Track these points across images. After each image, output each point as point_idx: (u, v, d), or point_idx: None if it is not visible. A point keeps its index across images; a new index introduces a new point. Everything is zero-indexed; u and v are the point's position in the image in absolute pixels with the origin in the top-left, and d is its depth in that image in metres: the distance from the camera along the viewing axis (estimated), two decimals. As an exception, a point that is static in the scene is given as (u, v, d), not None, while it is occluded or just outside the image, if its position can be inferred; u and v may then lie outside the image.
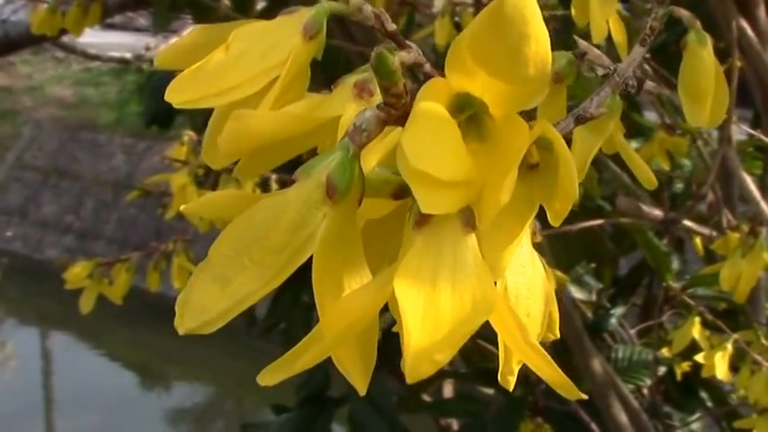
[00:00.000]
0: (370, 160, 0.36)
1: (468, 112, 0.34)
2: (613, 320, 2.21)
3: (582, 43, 0.50)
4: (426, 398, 2.23)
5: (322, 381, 2.04)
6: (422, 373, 0.29)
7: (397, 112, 0.33)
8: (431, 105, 0.32)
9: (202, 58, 0.39)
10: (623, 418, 1.80)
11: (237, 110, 0.34)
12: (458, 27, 1.34)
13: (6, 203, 11.47)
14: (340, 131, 0.36)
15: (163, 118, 2.16)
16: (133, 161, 11.45)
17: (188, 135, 1.14)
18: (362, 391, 0.35)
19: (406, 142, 0.30)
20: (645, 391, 2.12)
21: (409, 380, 0.30)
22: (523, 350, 0.33)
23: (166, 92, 0.38)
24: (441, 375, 2.11)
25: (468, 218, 0.32)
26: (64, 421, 9.00)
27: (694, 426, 2.15)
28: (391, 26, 0.38)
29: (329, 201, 0.32)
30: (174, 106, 0.39)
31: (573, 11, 0.69)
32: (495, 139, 0.33)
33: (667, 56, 1.50)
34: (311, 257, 0.35)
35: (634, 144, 1.68)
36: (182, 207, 0.37)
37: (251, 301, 0.34)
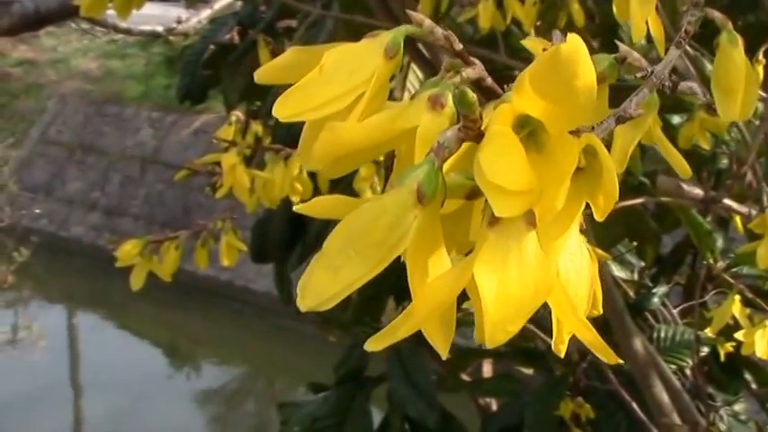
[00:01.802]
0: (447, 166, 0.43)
1: (528, 129, 0.41)
2: (655, 300, 2.23)
3: (623, 48, 0.53)
4: (465, 377, 2.32)
5: (360, 360, 2.07)
6: (498, 340, 0.37)
7: (473, 132, 0.41)
8: (501, 129, 0.40)
9: (296, 75, 0.46)
10: (665, 398, 1.80)
11: (330, 122, 0.42)
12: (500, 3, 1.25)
13: (31, 180, 11.32)
14: (418, 141, 0.43)
15: (196, 93, 2.16)
16: (160, 135, 11.24)
17: (235, 116, 1.04)
18: (444, 356, 0.43)
19: (483, 159, 0.39)
20: (687, 371, 2.12)
21: (489, 344, 0.37)
22: (573, 323, 0.41)
23: (274, 107, 0.44)
24: (480, 354, 2.18)
25: (530, 218, 0.40)
26: (91, 401, 8.88)
27: (737, 407, 2.13)
28: (459, 46, 0.45)
29: (419, 205, 0.40)
30: (280, 120, 0.44)
31: (615, 9, 0.74)
32: (550, 151, 0.41)
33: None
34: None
35: (677, 119, 1.70)
36: (296, 207, 0.43)
37: (356, 286, 0.40)
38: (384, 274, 1.42)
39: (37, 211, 10.79)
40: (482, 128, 0.40)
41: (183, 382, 9.16)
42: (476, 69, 0.44)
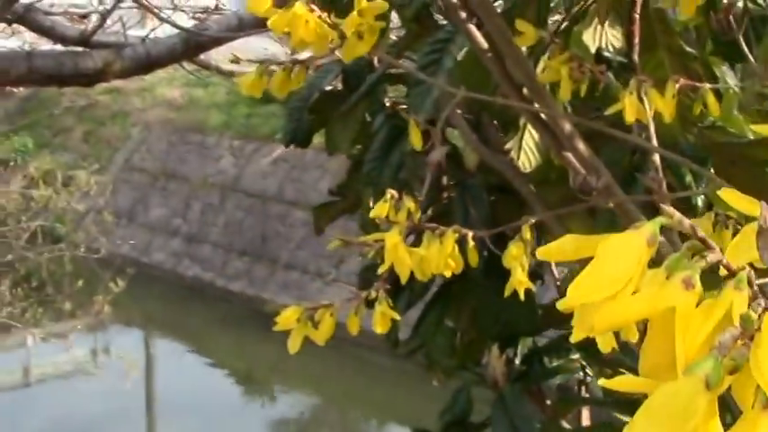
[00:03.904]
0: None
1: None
2: None
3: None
4: (566, 425, 2.22)
5: (465, 406, 1.98)
6: None
7: (747, 335, 0.49)
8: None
9: (573, 255, 0.58)
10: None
11: (608, 301, 0.52)
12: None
13: (115, 206, 11.54)
14: (678, 320, 0.51)
15: (301, 137, 2.20)
16: (240, 163, 11.42)
17: (390, 193, 1.07)
18: None
19: (759, 358, 0.48)
20: None
21: None
22: None
23: (569, 292, 0.53)
24: (582, 402, 2.10)
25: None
26: (164, 425, 8.99)
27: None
28: (701, 233, 0.53)
29: (707, 391, 0.48)
30: (573, 304, 0.54)
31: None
32: None
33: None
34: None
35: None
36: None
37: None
38: (487, 319, 1.48)
39: (117, 236, 10.98)
40: (756, 330, 0.49)
41: (257, 409, 9.23)
42: (716, 253, 0.52)
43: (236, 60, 1.90)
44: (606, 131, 1.15)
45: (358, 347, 8.44)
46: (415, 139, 1.24)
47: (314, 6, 1.03)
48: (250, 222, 10.76)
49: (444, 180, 2.01)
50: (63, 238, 7.87)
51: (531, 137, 1.47)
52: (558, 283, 2.06)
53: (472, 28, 1.22)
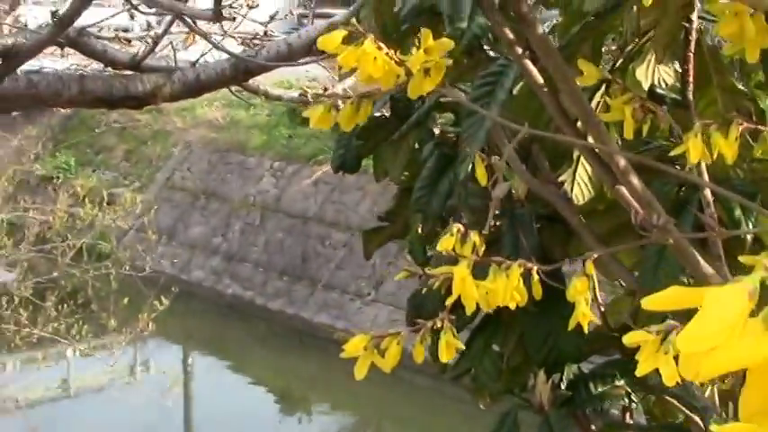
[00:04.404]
0: None
1: None
2: None
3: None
4: None
5: (511, 429, 1.95)
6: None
7: None
8: None
9: (679, 304, 0.61)
10: None
11: (713, 348, 0.56)
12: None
13: (155, 223, 11.65)
14: None
15: (350, 163, 2.23)
16: (281, 184, 11.51)
17: (456, 227, 1.11)
18: None
19: None
20: None
21: None
22: None
23: (679, 339, 0.57)
24: (624, 428, 2.04)
25: None
26: (203, 441, 9.10)
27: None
28: None
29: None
30: (684, 351, 0.57)
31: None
32: None
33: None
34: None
35: None
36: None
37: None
38: (534, 344, 1.51)
39: (158, 253, 11.07)
40: None
41: (293, 426, 9.27)
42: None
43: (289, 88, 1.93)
44: (658, 166, 1.17)
45: (397, 367, 8.44)
46: (481, 175, 1.27)
47: (381, 44, 1.06)
48: (290, 242, 10.84)
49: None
50: (107, 255, 7.96)
51: (584, 170, 1.50)
52: (603, 310, 2.08)
53: (528, 63, 1.26)
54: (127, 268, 7.19)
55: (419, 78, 1.08)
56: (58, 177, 13.12)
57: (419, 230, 2.20)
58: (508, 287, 1.08)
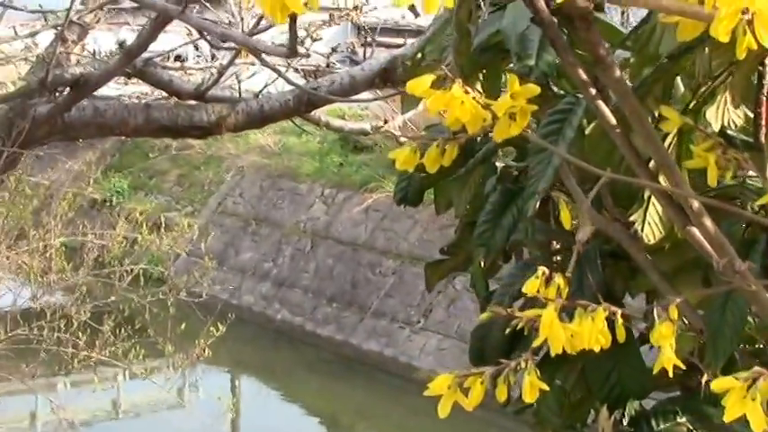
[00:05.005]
0: None
1: None
2: None
3: None
4: None
5: None
6: None
7: None
8: None
9: None
10: None
11: None
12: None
13: (206, 248, 11.77)
14: None
15: (413, 196, 2.23)
16: (332, 211, 11.59)
17: (542, 270, 1.13)
18: None
19: None
20: None
21: None
22: None
23: None
24: None
25: None
26: (249, 466, 9.14)
27: None
28: None
29: None
30: None
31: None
32: None
33: None
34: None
35: None
36: None
37: None
38: (597, 380, 1.52)
39: (209, 278, 11.14)
40: None
41: (341, 453, 9.31)
42: None
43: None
44: (729, 208, 1.19)
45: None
46: (566, 219, 1.29)
47: (469, 88, 1.09)
48: (340, 269, 10.89)
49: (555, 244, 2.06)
50: (159, 279, 8.05)
51: (655, 210, 1.52)
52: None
53: (602, 104, 1.28)
54: (184, 294, 7.26)
55: (504, 123, 1.11)
56: (111, 201, 13.31)
57: (481, 264, 2.22)
58: (593, 330, 1.10)
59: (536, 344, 1.17)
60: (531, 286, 1.18)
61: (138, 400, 9.04)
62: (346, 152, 11.75)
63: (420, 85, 1.08)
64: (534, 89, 1.11)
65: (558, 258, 2.02)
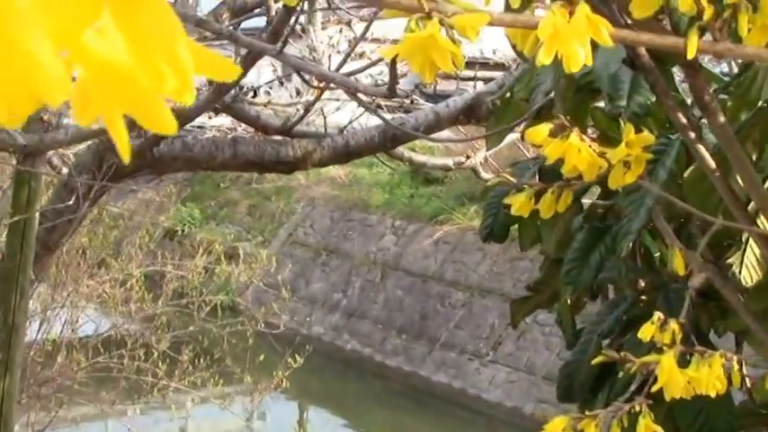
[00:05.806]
0: None
1: None
2: None
3: None
4: None
5: None
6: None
7: None
8: None
9: None
10: None
11: None
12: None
13: (277, 278, 11.90)
14: None
15: (498, 232, 2.26)
16: (402, 243, 11.66)
17: (658, 316, 1.16)
18: None
19: None
20: None
21: None
22: None
23: None
24: None
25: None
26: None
27: None
28: None
29: None
30: None
31: None
32: None
33: None
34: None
35: None
36: None
37: None
38: (685, 418, 1.54)
39: (279, 308, 11.24)
40: None
41: (408, 486, 9.30)
42: None
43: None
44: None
45: (511, 429, 8.47)
46: (679, 266, 1.32)
47: (585, 137, 1.13)
48: (410, 301, 10.93)
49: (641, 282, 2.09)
50: (236, 310, 8.17)
51: (752, 253, 1.54)
52: (750, 386, 2.10)
53: (701, 148, 1.31)
54: (262, 325, 7.35)
55: (619, 171, 1.15)
56: (183, 230, 13.50)
57: (568, 301, 2.26)
58: (711, 376, 1.13)
59: (654, 388, 1.20)
60: (646, 332, 1.22)
61: (207, 427, 9.13)
62: (417, 184, 11.81)
63: (539, 133, 1.13)
64: (649, 138, 1.15)
65: (644, 298, 2.05)
